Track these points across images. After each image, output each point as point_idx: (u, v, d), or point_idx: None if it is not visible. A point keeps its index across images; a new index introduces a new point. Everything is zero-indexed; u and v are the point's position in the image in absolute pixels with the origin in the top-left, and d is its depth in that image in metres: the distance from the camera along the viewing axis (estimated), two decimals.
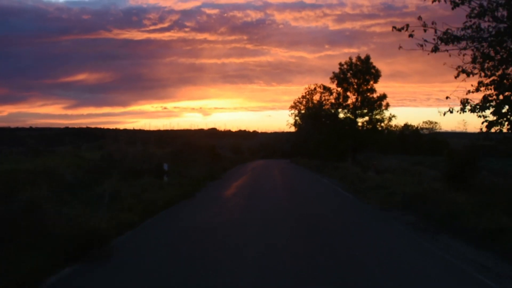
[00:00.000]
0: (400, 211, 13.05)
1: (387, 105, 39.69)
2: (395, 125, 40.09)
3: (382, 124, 39.93)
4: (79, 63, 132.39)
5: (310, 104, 64.29)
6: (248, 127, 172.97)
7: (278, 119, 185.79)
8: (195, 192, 17.63)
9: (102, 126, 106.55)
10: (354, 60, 40.13)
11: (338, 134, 39.93)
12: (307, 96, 66.49)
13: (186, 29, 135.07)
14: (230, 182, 23.51)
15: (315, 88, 64.63)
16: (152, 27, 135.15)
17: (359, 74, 39.80)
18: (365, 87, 39.94)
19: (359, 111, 40.10)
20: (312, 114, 44.07)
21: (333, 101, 41.07)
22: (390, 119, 39.65)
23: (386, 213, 13.00)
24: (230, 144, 69.23)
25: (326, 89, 40.60)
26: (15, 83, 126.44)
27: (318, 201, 15.69)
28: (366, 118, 40.22)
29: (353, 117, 40.28)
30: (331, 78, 40.86)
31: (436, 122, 66.46)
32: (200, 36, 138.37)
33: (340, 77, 40.38)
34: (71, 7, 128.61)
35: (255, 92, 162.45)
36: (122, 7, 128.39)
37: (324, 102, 46.12)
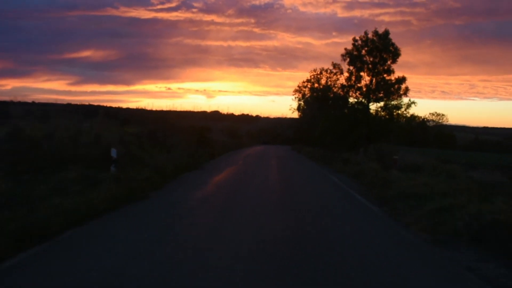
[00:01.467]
0: (470, 251, 7.62)
1: (406, 90, 34.15)
2: (412, 115, 34.13)
3: (400, 112, 34.31)
4: (85, 39, 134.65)
5: (316, 86, 59.02)
6: (251, 111, 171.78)
7: (282, 104, 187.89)
8: (150, 192, 12.25)
9: (105, 104, 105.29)
10: (370, 35, 34.45)
11: (349, 120, 34.42)
12: (313, 80, 61.40)
13: (194, 10, 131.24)
14: (209, 175, 18.13)
15: (321, 72, 59.49)
16: (159, 6, 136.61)
17: (375, 52, 34.17)
18: (381, 68, 34.34)
19: (373, 96, 34.52)
20: (318, 97, 38.47)
21: (344, 82, 35.38)
22: (409, 106, 34.06)
23: (447, 252, 7.56)
24: (227, 127, 63.73)
25: (336, 67, 34.96)
26: (20, 57, 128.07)
27: (327, 221, 10.15)
28: (381, 103, 34.71)
29: (366, 102, 34.72)
30: (342, 56, 35.29)
31: (443, 115, 60.67)
32: (207, 17, 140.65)
33: (353, 55, 34.74)
34: None
35: (260, 76, 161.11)
36: None
37: (332, 84, 40.39)
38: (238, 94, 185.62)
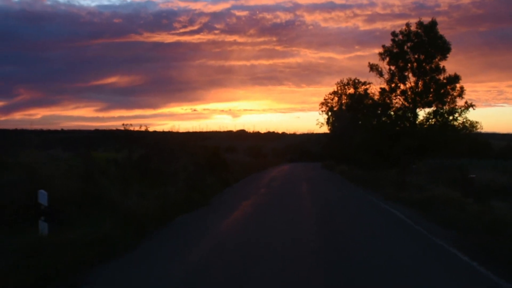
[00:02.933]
0: None
1: (461, 91, 27.90)
2: (472, 122, 27.78)
3: (456, 118, 28.03)
4: (110, 66, 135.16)
5: (344, 100, 53.38)
6: (277, 128, 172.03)
7: (307, 120, 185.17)
8: (86, 275, 6.72)
9: (132, 128, 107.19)
10: (413, 27, 28.50)
11: (392, 130, 28.39)
12: (340, 91, 55.79)
13: (216, 31, 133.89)
14: (214, 219, 12.49)
15: (348, 83, 53.98)
16: (182, 30, 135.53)
17: (420, 48, 28.19)
18: (428, 66, 28.27)
19: (421, 100, 28.43)
20: (352, 105, 32.40)
21: (384, 86, 29.38)
22: (465, 109, 27.78)
23: None
24: (250, 146, 58.19)
25: (374, 68, 29.07)
26: (48, 87, 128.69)
27: None
28: (431, 109, 28.54)
29: (411, 107, 28.62)
30: (380, 54, 29.29)
31: (477, 122, 53.26)
32: (230, 38, 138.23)
33: (394, 52, 28.79)
34: (103, 11, 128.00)
35: (284, 93, 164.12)
36: (152, 10, 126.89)
37: (367, 89, 34.30)
38: (263, 112, 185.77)
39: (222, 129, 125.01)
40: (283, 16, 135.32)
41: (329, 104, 56.65)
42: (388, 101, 29.75)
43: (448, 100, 28.07)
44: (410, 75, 28.65)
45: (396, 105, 29.48)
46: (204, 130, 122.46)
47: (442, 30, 28.87)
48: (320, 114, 56.35)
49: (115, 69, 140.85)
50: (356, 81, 50.72)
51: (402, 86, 29.07)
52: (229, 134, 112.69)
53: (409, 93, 28.77)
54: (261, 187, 21.93)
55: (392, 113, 29.58)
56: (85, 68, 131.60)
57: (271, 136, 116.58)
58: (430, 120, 28.43)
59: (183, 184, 16.20)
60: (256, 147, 57.65)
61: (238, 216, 13.06)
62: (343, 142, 42.54)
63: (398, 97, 29.42)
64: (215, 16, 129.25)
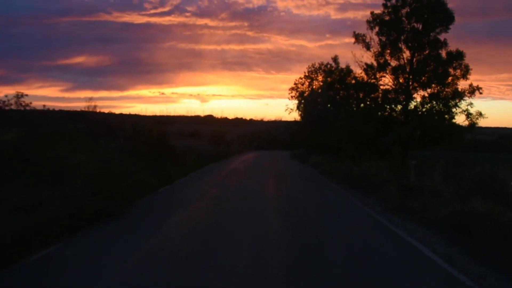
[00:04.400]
0: None
1: (466, 70, 22.85)
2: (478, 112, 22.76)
3: (456, 104, 22.98)
4: (78, 45, 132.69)
5: (315, 86, 48.30)
6: (245, 115, 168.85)
7: (276, 108, 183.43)
8: None
9: (98, 110, 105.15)
10: None
11: (381, 117, 23.18)
12: (312, 75, 50.59)
13: (187, 14, 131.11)
14: (109, 259, 6.69)
15: (320, 67, 48.85)
16: (152, 11, 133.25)
17: (418, 15, 22.94)
18: (425, 39, 23.08)
19: (417, 80, 23.27)
20: (332, 83, 26.87)
21: (372, 61, 23.96)
22: (471, 92, 22.76)
23: None
24: (211, 132, 52.30)
25: (359, 39, 23.59)
26: (13, 64, 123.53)
27: None
28: (428, 90, 23.41)
29: (404, 88, 23.41)
30: (368, 22, 23.95)
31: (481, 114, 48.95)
32: (201, 21, 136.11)
33: (384, 20, 23.45)
34: None
35: (254, 80, 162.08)
36: None
37: (349, 66, 28.92)
38: (232, 98, 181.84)
39: (189, 114, 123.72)
40: (256, 1, 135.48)
41: (299, 89, 51.56)
42: (374, 81, 24.48)
43: (449, 81, 23.02)
44: (404, 47, 23.45)
45: (387, 86, 24.27)
46: (172, 114, 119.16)
47: None
48: (289, 100, 51.08)
49: (83, 49, 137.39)
50: (329, 65, 44.85)
51: (393, 63, 23.84)
52: (196, 119, 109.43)
53: (401, 71, 23.57)
54: (212, 186, 16.16)
55: (380, 95, 24.32)
56: (52, 46, 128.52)
57: (239, 122, 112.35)
58: (426, 105, 23.31)
59: (83, 184, 10.35)
60: (219, 133, 51.65)
61: (155, 246, 7.36)
62: (318, 129, 37.33)
63: (388, 76, 24.20)
64: None
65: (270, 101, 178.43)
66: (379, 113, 23.77)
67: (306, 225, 9.82)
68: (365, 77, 24.68)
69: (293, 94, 51.12)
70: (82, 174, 11.00)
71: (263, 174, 22.62)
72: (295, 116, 52.62)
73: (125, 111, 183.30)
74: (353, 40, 24.35)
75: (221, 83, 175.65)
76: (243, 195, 14.20)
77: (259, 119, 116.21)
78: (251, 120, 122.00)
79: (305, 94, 49.83)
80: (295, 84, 51.13)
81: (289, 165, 31.11)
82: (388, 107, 24.16)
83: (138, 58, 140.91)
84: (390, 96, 23.83)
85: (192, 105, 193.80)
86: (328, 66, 43.83)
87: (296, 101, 50.59)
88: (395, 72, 23.51)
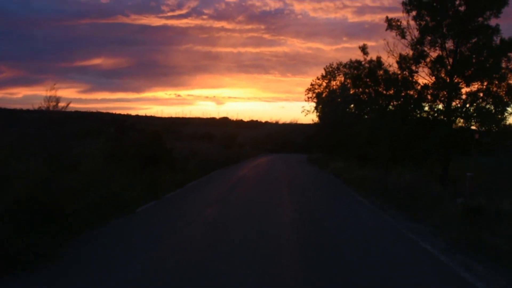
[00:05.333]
0: None
1: None
2: None
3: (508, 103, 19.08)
4: (96, 47, 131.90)
5: (333, 86, 44.78)
6: (260, 117, 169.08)
7: (292, 110, 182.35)
8: None
9: (114, 112, 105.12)
10: None
11: (419, 118, 19.44)
12: (328, 76, 47.10)
13: (204, 17, 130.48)
14: None
15: (338, 67, 45.22)
16: (170, 13, 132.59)
17: None
18: (472, 26, 19.26)
19: (461, 75, 19.44)
20: (359, 77, 22.99)
21: (407, 52, 20.17)
22: None
23: None
24: (222, 133, 48.85)
25: (393, 23, 19.82)
26: (32, 66, 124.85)
27: None
28: (474, 86, 19.59)
29: (448, 83, 19.59)
30: (404, 4, 20.19)
31: None
32: (218, 24, 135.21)
33: (424, 2, 19.68)
34: None
35: (270, 82, 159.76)
36: None
37: (380, 57, 25.06)
38: (247, 101, 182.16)
39: (205, 116, 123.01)
40: (273, 4, 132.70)
41: (316, 90, 48.15)
42: (407, 73, 20.74)
43: (500, 75, 19.16)
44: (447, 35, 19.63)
45: (424, 80, 20.50)
46: (187, 116, 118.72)
47: None
48: (306, 101, 47.59)
49: (101, 51, 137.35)
50: (351, 63, 40.80)
51: (433, 53, 20.07)
52: (210, 121, 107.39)
53: (440, 64, 19.78)
54: (211, 203, 12.52)
55: (415, 91, 20.56)
56: (70, 48, 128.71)
57: (254, 125, 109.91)
58: (473, 103, 19.47)
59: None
60: (231, 135, 48.10)
61: None
62: (338, 131, 33.66)
63: (425, 69, 20.43)
64: (204, 1, 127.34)
65: (286, 104, 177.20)
66: (416, 111, 20.01)
67: (342, 277, 6.19)
68: (398, 71, 20.95)
69: (309, 95, 47.79)
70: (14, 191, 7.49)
71: (277, 184, 19.00)
72: (312, 118, 48.98)
73: (141, 112, 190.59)
74: (369, 43, 21.04)
75: (237, 86, 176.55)
76: (250, 219, 10.58)
77: (274, 121, 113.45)
78: (266, 122, 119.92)
79: (323, 95, 46.40)
80: (311, 85, 47.78)
81: (307, 172, 27.45)
82: (426, 105, 20.43)
83: (154, 60, 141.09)
84: (428, 92, 20.04)
85: (208, 107, 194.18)
86: (351, 63, 40.09)
87: (313, 103, 47.30)
88: (435, 64, 19.71)
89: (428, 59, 20.06)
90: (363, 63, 24.05)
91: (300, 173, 26.60)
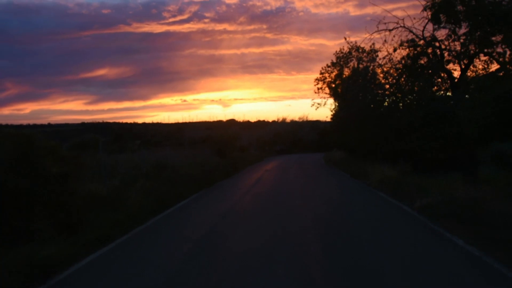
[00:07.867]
0: None
1: None
2: None
3: None
4: (99, 58, 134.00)
5: (346, 73, 35.27)
6: (267, 117, 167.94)
7: (299, 108, 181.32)
8: None
9: (120, 121, 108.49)
10: None
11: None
12: (341, 62, 37.18)
13: (206, 20, 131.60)
14: None
15: (350, 52, 35.42)
16: (171, 19, 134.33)
17: None
18: None
19: None
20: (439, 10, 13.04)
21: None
22: None
23: None
24: (217, 136, 39.40)
25: None
26: (36, 81, 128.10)
27: None
28: None
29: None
30: None
31: None
32: (220, 26, 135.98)
33: None
34: (91, 2, 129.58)
35: (275, 81, 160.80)
36: (141, 0, 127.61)
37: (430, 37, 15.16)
38: (253, 101, 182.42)
39: (212, 119, 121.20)
40: (273, 3, 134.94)
41: (327, 80, 39.09)
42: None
43: None
44: None
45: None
46: (194, 120, 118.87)
47: None
48: (316, 93, 38.63)
49: (105, 61, 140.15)
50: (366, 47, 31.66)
51: None
52: (215, 124, 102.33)
53: None
54: None
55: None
56: (74, 60, 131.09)
57: (261, 125, 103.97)
58: None
59: None
60: (228, 138, 38.47)
61: None
62: (369, 124, 24.36)
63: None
64: (205, 4, 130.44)
65: (292, 102, 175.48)
66: None
67: None
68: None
69: (320, 85, 38.71)
70: None
71: (295, 224, 9.52)
72: (323, 112, 39.62)
73: (148, 120, 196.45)
74: (373, 35, 11.71)
75: (242, 87, 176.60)
76: None
77: (281, 119, 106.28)
78: (273, 122, 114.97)
79: (332, 85, 37.42)
80: (321, 73, 38.66)
81: (338, 187, 17.95)
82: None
83: (159, 67, 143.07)
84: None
85: (214, 111, 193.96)
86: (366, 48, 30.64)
87: (325, 95, 38.39)
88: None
89: None
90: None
91: (328, 189, 17.06)
